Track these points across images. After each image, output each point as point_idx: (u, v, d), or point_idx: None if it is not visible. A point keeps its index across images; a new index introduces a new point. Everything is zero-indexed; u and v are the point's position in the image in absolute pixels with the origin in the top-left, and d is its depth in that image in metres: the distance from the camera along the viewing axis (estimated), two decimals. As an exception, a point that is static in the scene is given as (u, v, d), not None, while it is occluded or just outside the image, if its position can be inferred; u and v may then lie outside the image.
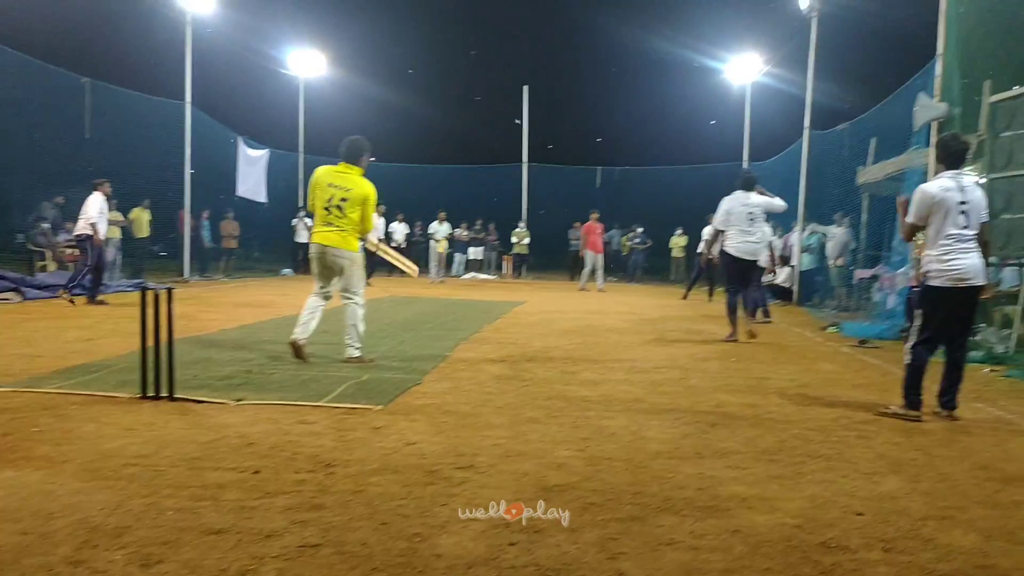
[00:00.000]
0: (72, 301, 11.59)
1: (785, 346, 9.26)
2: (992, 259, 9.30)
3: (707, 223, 10.35)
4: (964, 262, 5.24)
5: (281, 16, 30.33)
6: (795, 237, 16.54)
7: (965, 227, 5.27)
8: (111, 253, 14.81)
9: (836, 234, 15.51)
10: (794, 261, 16.31)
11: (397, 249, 22.26)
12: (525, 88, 26.78)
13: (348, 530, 3.00)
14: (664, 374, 6.84)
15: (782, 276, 16.30)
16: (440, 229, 21.93)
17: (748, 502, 3.46)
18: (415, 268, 8.57)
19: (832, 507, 3.43)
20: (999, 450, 4.58)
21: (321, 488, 3.47)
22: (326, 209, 6.66)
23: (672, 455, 4.18)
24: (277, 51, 25.17)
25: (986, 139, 9.32)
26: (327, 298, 6.87)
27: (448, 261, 23.58)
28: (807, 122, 16.18)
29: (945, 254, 5.28)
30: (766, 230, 12.02)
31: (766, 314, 11.94)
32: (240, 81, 25.96)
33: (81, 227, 11.82)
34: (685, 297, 16.66)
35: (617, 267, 26.04)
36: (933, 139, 9.79)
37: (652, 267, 26.10)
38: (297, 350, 6.62)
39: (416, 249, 25.93)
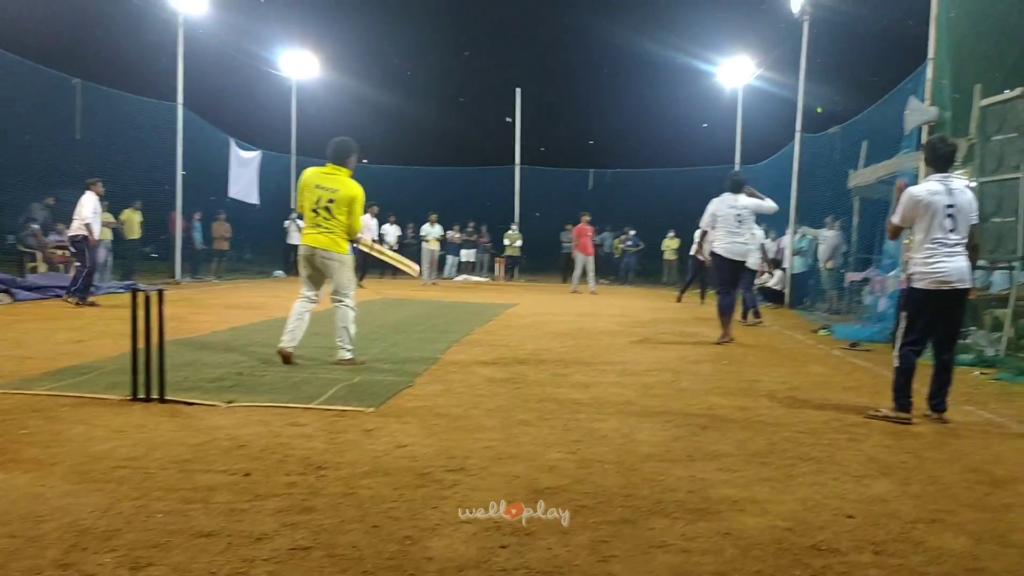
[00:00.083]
0: (78, 303, 11.55)
1: (776, 349, 9.28)
2: (982, 262, 9.36)
3: (699, 226, 10.46)
4: (948, 265, 5.26)
5: (273, 17, 30.38)
6: (786, 240, 16.58)
7: (951, 230, 5.28)
8: (102, 254, 14.75)
9: (827, 237, 15.58)
10: (785, 264, 16.35)
11: (391, 250, 22.30)
12: (517, 90, 26.81)
13: (339, 532, 3.00)
14: (655, 377, 6.84)
15: (774, 279, 16.35)
16: (432, 231, 21.91)
17: (739, 504, 3.46)
18: (415, 267, 8.49)
19: (823, 510, 3.44)
20: (989, 453, 4.59)
21: (312, 490, 3.46)
22: (314, 211, 6.65)
23: (663, 458, 4.19)
24: (269, 52, 25.14)
25: (977, 143, 9.36)
26: (313, 302, 6.84)
27: (440, 263, 23.57)
28: (799, 125, 16.22)
29: (930, 257, 5.30)
30: (757, 232, 12.08)
31: (756, 315, 11.98)
32: (232, 82, 25.90)
33: (76, 228, 11.77)
34: (679, 300, 16.68)
35: (609, 270, 26.05)
36: (924, 142, 9.83)
37: (644, 269, 26.13)
38: (286, 358, 6.62)
39: (408, 251, 25.92)
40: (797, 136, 16.27)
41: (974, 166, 9.51)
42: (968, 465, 4.29)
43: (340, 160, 6.78)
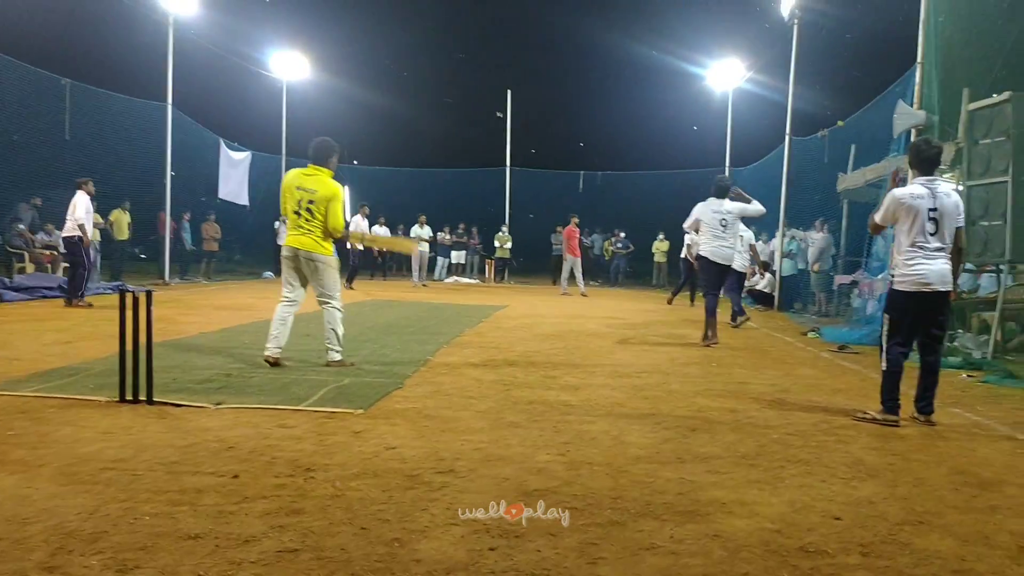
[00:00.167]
0: (76, 304, 11.47)
1: (765, 351, 9.30)
2: (969, 265, 9.41)
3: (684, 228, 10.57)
4: (928, 268, 5.28)
5: (264, 18, 30.28)
6: (775, 242, 16.63)
7: (933, 234, 5.31)
8: (90, 255, 14.67)
9: (816, 240, 15.64)
10: (775, 267, 16.40)
11: (380, 252, 22.27)
12: (508, 92, 26.83)
13: (327, 535, 2.99)
14: (645, 379, 6.85)
15: (764, 281, 16.41)
16: (421, 232, 21.90)
17: (728, 507, 3.47)
18: (413, 245, 8.37)
19: (811, 512, 3.45)
20: (976, 455, 4.62)
21: (300, 493, 3.45)
22: (296, 213, 6.62)
23: (652, 460, 4.19)
24: (260, 53, 25.06)
25: (964, 146, 9.41)
26: (295, 304, 6.80)
27: (430, 265, 23.55)
28: (788, 128, 16.27)
29: (910, 259, 5.34)
30: (746, 234, 12.11)
31: (741, 312, 11.97)
32: (222, 83, 25.76)
33: (69, 229, 11.69)
34: (670, 302, 16.70)
35: (599, 272, 26.10)
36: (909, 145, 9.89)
37: (634, 272, 26.19)
38: (273, 364, 6.60)
39: (398, 253, 25.90)
40: (787, 139, 16.33)
41: (962, 170, 9.57)
42: (955, 467, 4.31)
43: (321, 160, 6.75)
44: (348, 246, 18.46)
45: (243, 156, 22.62)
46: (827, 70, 23.77)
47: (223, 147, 21.55)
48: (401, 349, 8.11)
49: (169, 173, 17.87)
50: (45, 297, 12.70)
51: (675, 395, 6.14)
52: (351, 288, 17.73)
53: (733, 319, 11.78)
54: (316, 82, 26.68)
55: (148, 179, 18.17)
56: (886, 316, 5.53)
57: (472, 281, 24.59)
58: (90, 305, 11.45)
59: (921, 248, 5.30)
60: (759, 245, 16.27)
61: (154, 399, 5.10)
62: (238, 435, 4.37)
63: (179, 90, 18.06)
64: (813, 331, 11.35)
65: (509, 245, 25.22)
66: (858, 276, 13.46)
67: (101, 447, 4.05)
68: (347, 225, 7.00)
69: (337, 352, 6.79)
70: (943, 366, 6.09)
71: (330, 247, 6.78)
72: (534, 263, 27.25)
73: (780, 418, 5.40)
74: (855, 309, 12.72)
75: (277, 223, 21.93)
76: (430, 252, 22.92)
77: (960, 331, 9.61)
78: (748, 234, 12.41)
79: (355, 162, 29.67)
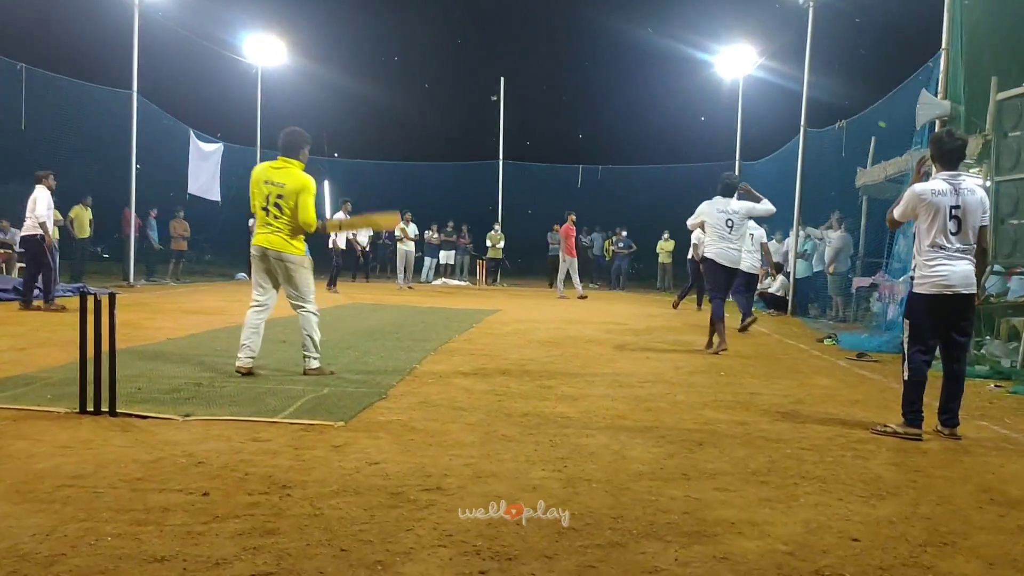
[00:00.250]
0: (64, 307, 11.41)
1: (778, 359, 9.32)
2: (997, 267, 9.43)
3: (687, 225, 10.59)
4: (949, 269, 5.30)
5: (236, -2, 30.20)
6: (789, 242, 16.65)
7: (955, 233, 5.32)
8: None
9: (832, 239, 15.62)
10: (788, 268, 16.42)
11: (363, 252, 22.23)
12: (502, 79, 26.86)
13: (305, 557, 2.98)
14: (648, 389, 6.86)
15: (776, 284, 16.42)
16: (407, 231, 21.88)
17: (737, 527, 3.47)
18: (393, 218, 8.07)
19: (826, 532, 3.46)
20: (1004, 471, 4.63)
21: (276, 511, 3.44)
22: (264, 209, 6.57)
23: (656, 476, 4.20)
24: (233, 37, 25.05)
25: (992, 139, 9.42)
26: (265, 308, 6.74)
27: (417, 266, 23.54)
28: (803, 119, 16.32)
29: (931, 260, 5.35)
30: (756, 232, 12.12)
31: (748, 313, 11.97)
32: (192, 69, 25.73)
33: (29, 227, 11.60)
34: (675, 306, 16.72)
35: (600, 273, 26.13)
36: (931, 138, 9.91)
37: (637, 273, 26.22)
38: (245, 375, 6.56)
39: (382, 252, 25.91)
40: (802, 131, 16.37)
41: (989, 164, 9.58)
42: (981, 484, 4.32)
43: (292, 152, 6.71)
44: (330, 245, 18.45)
45: (214, 148, 22.58)
46: (845, 56, 23.92)
47: (193, 138, 21.51)
48: (385, 357, 8.10)
49: (134, 166, 17.83)
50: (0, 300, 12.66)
51: (680, 406, 6.14)
52: (335, 292, 17.73)
53: (751, 321, 11.79)
54: (293, 68, 26.69)
55: (111, 173, 18.13)
56: (906, 322, 5.54)
57: (462, 283, 24.59)
58: (63, 308, 11.40)
59: (942, 248, 5.32)
60: (772, 244, 16.30)
61: (117, 410, 5.08)
62: (208, 449, 4.35)
63: (145, 77, 18.06)
64: (829, 338, 11.38)
65: (502, 245, 25.22)
66: (878, 278, 13.49)
67: (59, 462, 4.03)
68: (321, 219, 6.85)
69: (315, 359, 6.77)
70: (969, 375, 6.12)
71: (302, 246, 6.73)
72: (529, 264, 27.27)
73: (793, 431, 5.41)
74: (875, 314, 12.77)
75: (251, 221, 21.88)
76: (416, 252, 22.89)
77: (988, 338, 9.63)
78: (759, 232, 12.40)
79: (336, 155, 29.69)
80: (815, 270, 16.28)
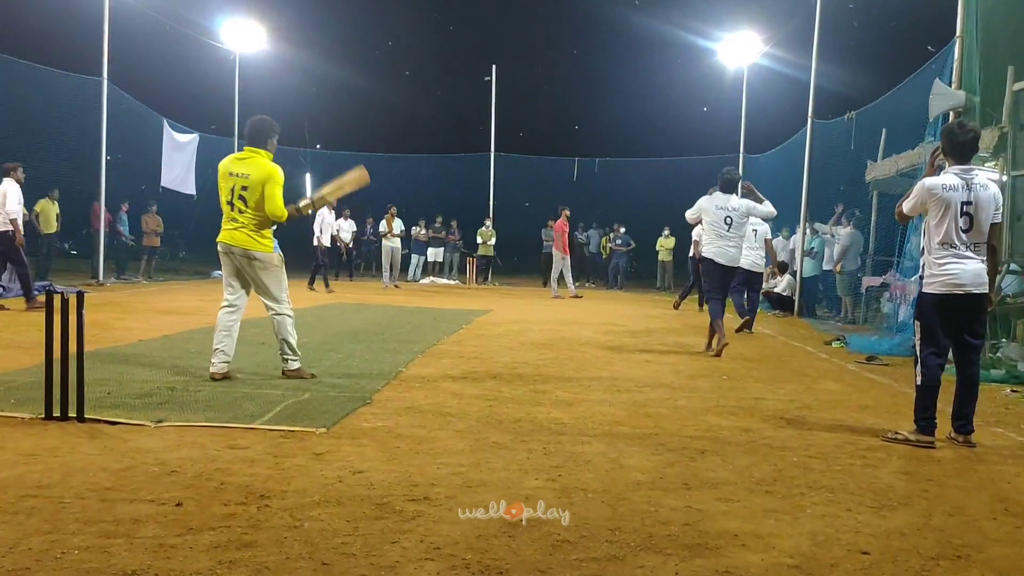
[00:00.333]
0: (41, 305, 11.35)
1: (784, 362, 9.34)
2: (1014, 266, 9.46)
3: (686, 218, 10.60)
4: (960, 267, 5.31)
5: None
6: (796, 239, 16.65)
7: (967, 230, 5.33)
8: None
9: (841, 236, 15.60)
10: (795, 267, 16.43)
11: (346, 249, 22.20)
12: (493, 67, 26.85)
13: (284, 571, 2.98)
14: (647, 394, 6.87)
15: (782, 283, 16.44)
16: (392, 227, 21.87)
17: (740, 539, 3.47)
18: (360, 174, 7.44)
19: (835, 545, 3.46)
20: (1020, 481, 4.65)
21: (253, 523, 3.43)
22: (229, 203, 6.53)
23: (655, 486, 4.20)
24: (209, 21, 24.96)
25: (1009, 131, 9.45)
26: (237, 308, 6.72)
27: (403, 264, 23.51)
28: (811, 110, 16.33)
29: (941, 258, 5.36)
30: (760, 228, 12.13)
31: (744, 313, 12.00)
32: (166, 55, 25.67)
33: (0, 223, 11.54)
34: (676, 307, 16.74)
35: (596, 272, 26.13)
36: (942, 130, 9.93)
37: (636, 272, 26.23)
38: (221, 379, 6.51)
39: (367, 250, 25.87)
40: (809, 122, 16.39)
41: (1006, 157, 9.61)
42: (997, 494, 4.34)
43: (259, 142, 6.66)
44: (315, 243, 18.40)
45: (190, 139, 22.52)
46: (854, 43, 23.94)
47: (167, 128, 21.45)
48: (370, 359, 8.10)
49: (104, 158, 17.76)
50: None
51: (681, 412, 6.15)
52: (330, 291, 17.73)
53: (747, 321, 11.81)
54: (273, 54, 26.58)
55: (80, 164, 18.05)
56: (917, 323, 5.55)
57: (451, 282, 24.58)
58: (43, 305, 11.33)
59: (953, 246, 5.33)
60: (779, 241, 16.31)
61: (85, 416, 5.06)
62: (182, 457, 4.34)
63: (116, 63, 17.97)
64: (838, 340, 11.40)
65: (493, 241, 25.19)
66: (889, 278, 13.50)
67: (23, 471, 4.02)
68: (289, 207, 6.65)
69: (295, 360, 6.74)
70: (984, 380, 6.14)
71: (269, 242, 6.66)
72: (522, 262, 27.26)
73: (800, 439, 5.42)
74: (885, 315, 12.78)
75: (227, 216, 21.86)
76: (403, 249, 22.86)
77: (1004, 340, 9.65)
78: (763, 228, 12.39)
79: (318, 146, 29.68)
80: (823, 269, 16.29)
